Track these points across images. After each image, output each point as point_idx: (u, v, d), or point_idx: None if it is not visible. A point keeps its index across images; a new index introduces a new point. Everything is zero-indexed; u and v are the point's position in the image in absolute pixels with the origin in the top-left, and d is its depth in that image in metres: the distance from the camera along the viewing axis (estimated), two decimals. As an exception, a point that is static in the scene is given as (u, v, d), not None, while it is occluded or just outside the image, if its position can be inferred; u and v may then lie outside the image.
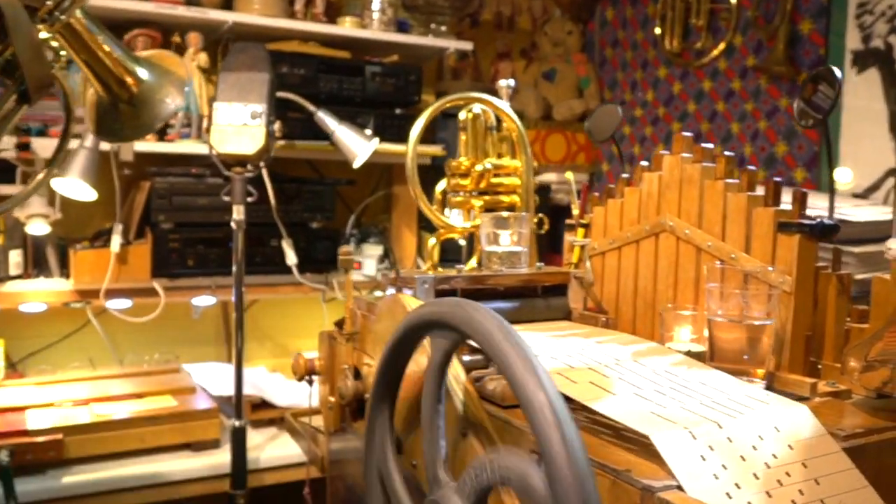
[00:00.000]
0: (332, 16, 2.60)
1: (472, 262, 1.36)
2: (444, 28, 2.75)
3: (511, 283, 1.21)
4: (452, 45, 2.72)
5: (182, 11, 2.36)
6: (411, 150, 1.55)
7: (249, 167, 2.06)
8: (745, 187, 1.10)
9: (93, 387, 2.27)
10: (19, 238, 2.30)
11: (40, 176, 1.18)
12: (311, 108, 2.37)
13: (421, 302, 1.10)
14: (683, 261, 1.18)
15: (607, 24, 3.14)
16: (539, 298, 1.24)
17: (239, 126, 1.98)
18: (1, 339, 2.33)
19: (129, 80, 1.14)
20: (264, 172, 2.36)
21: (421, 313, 0.87)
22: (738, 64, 2.59)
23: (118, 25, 2.36)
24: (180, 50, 2.42)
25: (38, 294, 2.31)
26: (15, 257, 2.29)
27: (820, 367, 1.05)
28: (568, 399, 0.76)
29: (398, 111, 2.61)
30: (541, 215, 1.62)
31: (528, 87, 3.16)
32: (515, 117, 1.60)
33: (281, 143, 2.44)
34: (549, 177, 3.06)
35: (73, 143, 2.13)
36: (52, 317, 2.47)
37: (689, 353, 1.06)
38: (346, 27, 2.56)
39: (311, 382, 1.54)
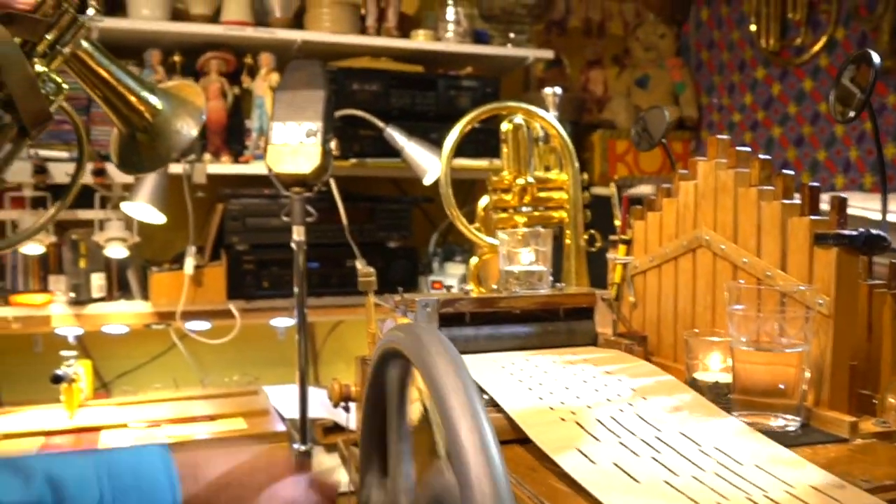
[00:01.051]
0: (405, 30, 2.56)
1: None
2: (524, 37, 2.65)
3: (527, 306, 1.10)
4: (532, 54, 2.62)
5: (252, 33, 2.38)
6: (444, 164, 1.47)
7: (310, 187, 2.03)
8: (781, 194, 0.95)
9: (170, 408, 2.29)
10: (102, 261, 2.36)
11: (51, 211, 1.16)
12: (380, 124, 2.33)
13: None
14: (721, 280, 1.04)
15: (702, 25, 2.95)
16: (560, 322, 1.12)
17: (294, 145, 1.95)
18: (89, 360, 2.39)
19: (143, 109, 1.11)
20: (335, 191, 2.34)
21: (381, 343, 0.78)
22: (840, 60, 2.36)
23: (191, 49, 2.39)
24: (253, 71, 2.44)
25: (120, 316, 2.36)
26: (98, 280, 2.35)
27: (875, 402, 0.89)
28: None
29: (477, 125, 2.52)
30: (591, 231, 1.50)
31: (619, 96, 3.01)
32: (559, 127, 1.49)
33: (352, 161, 2.41)
34: (643, 189, 2.90)
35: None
36: (140, 338, 2.53)
37: (715, 385, 0.93)
38: (419, 41, 2.51)
39: (347, 409, 1.47)
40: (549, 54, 2.65)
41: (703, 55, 2.97)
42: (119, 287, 2.44)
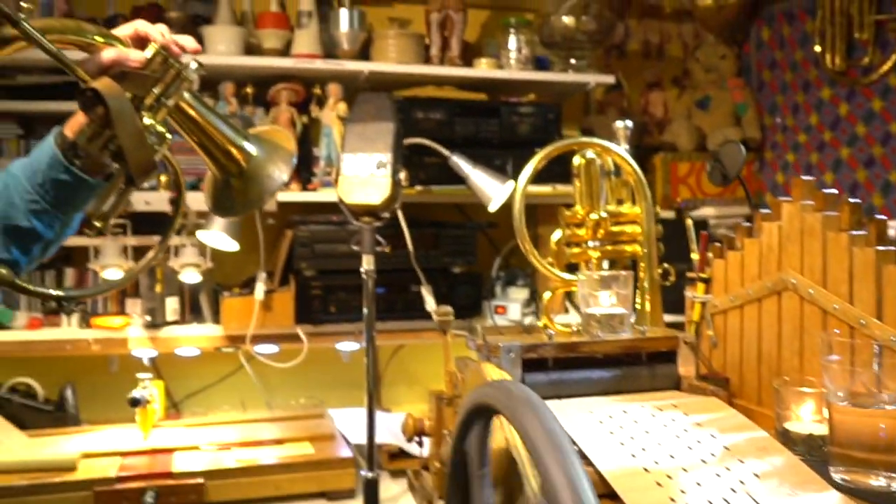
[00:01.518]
0: (468, 59, 2.59)
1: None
2: (585, 62, 2.67)
3: (610, 350, 1.12)
4: (593, 79, 2.63)
5: (320, 65, 2.43)
6: (518, 201, 1.49)
7: (380, 217, 2.07)
8: (874, 240, 0.96)
9: (239, 430, 2.34)
10: (176, 286, 2.43)
11: (150, 254, 1.21)
12: (445, 152, 2.36)
13: (504, 374, 1.03)
14: (808, 325, 1.05)
15: (763, 46, 2.94)
16: (643, 366, 1.13)
17: (365, 177, 1.99)
18: (161, 381, 2.46)
19: (238, 156, 1.14)
20: (401, 218, 2.38)
21: (470, 399, 0.81)
22: (911, 80, 2.34)
23: (263, 81, 2.46)
24: (321, 101, 2.49)
25: (192, 339, 2.43)
26: (172, 304, 2.42)
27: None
28: None
29: (538, 151, 2.54)
30: (665, 265, 1.51)
31: (680, 118, 3.01)
32: (632, 161, 1.51)
33: (418, 188, 2.45)
34: (706, 211, 2.90)
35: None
36: (208, 360, 2.60)
37: (809, 437, 0.93)
38: (482, 69, 2.54)
39: (420, 444, 1.50)
40: (609, 79, 2.67)
41: (764, 75, 2.95)
42: (192, 310, 2.51)
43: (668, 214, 2.77)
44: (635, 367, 1.13)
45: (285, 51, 2.48)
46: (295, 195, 2.44)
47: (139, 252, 2.38)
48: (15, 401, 2.30)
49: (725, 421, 0.99)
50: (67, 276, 2.43)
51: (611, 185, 1.54)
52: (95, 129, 1.01)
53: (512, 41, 2.58)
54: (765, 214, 1.16)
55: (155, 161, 1.04)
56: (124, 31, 1.08)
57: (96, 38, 1.04)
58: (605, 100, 2.95)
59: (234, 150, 1.14)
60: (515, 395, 0.71)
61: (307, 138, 2.55)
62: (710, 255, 1.32)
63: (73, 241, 2.34)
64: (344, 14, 2.43)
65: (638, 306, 1.46)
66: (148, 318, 2.38)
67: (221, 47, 2.39)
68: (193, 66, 1.08)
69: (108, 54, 1.02)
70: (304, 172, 2.53)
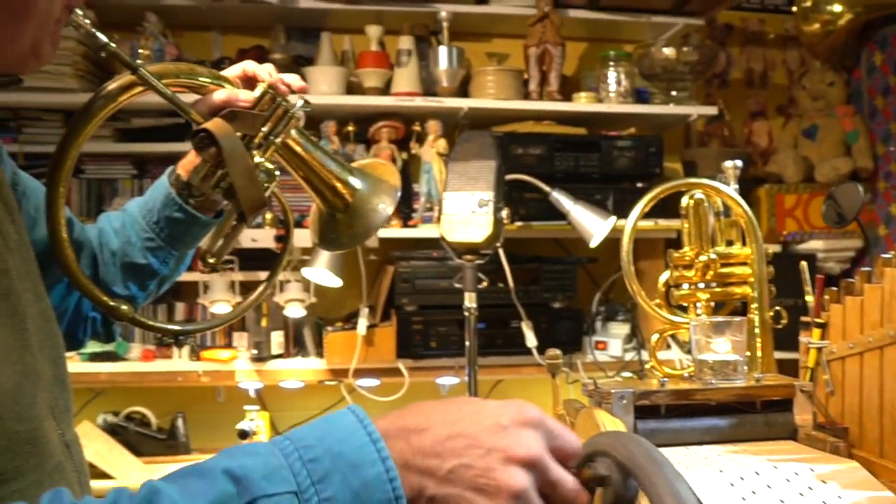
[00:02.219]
0: (567, 93, 2.59)
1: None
2: (686, 93, 2.63)
3: (724, 398, 1.09)
4: (695, 110, 2.59)
5: (420, 102, 2.48)
6: (626, 244, 1.48)
7: (482, 254, 2.08)
8: None
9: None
10: (281, 320, 2.50)
11: (259, 290, 1.24)
12: (546, 188, 2.36)
13: (617, 421, 1.02)
14: (936, 376, 1.00)
15: (875, 70, 2.84)
16: (758, 414, 1.10)
17: (467, 215, 2.01)
18: (266, 412, 2.53)
19: (344, 190, 1.16)
20: (501, 254, 2.38)
21: (591, 447, 0.80)
22: None
23: (364, 119, 2.52)
24: (421, 138, 2.53)
25: (296, 372, 2.49)
26: (277, 338, 2.49)
27: None
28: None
29: (639, 185, 2.52)
30: (777, 308, 1.47)
31: (786, 148, 2.93)
32: (742, 202, 1.48)
33: (518, 224, 2.46)
34: (815, 245, 2.81)
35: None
36: (311, 392, 2.65)
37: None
38: (581, 103, 2.54)
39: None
40: (712, 110, 2.62)
41: (877, 102, 2.85)
42: (296, 344, 2.57)
43: (774, 248, 2.69)
44: (750, 416, 1.09)
45: (385, 89, 2.53)
46: (396, 231, 2.48)
47: (246, 287, 2.46)
48: (131, 428, 2.41)
49: (848, 476, 0.95)
50: (178, 310, 2.53)
51: (720, 225, 1.51)
52: (208, 168, 1.04)
53: (611, 74, 2.57)
54: (886, 259, 1.12)
55: (265, 198, 1.06)
56: (233, 71, 1.11)
57: (207, 79, 1.06)
58: (707, 131, 2.89)
59: (339, 185, 1.15)
60: (642, 452, 0.69)
61: (407, 175, 2.59)
62: (825, 297, 1.28)
63: (183, 276, 2.43)
64: (443, 51, 2.47)
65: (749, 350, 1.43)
66: (254, 351, 2.45)
67: (323, 87, 2.46)
68: (300, 103, 1.11)
69: (219, 95, 1.05)
70: (404, 209, 2.57)
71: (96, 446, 2.23)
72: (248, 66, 1.11)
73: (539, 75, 2.54)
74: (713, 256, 1.43)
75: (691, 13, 2.63)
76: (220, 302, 2.39)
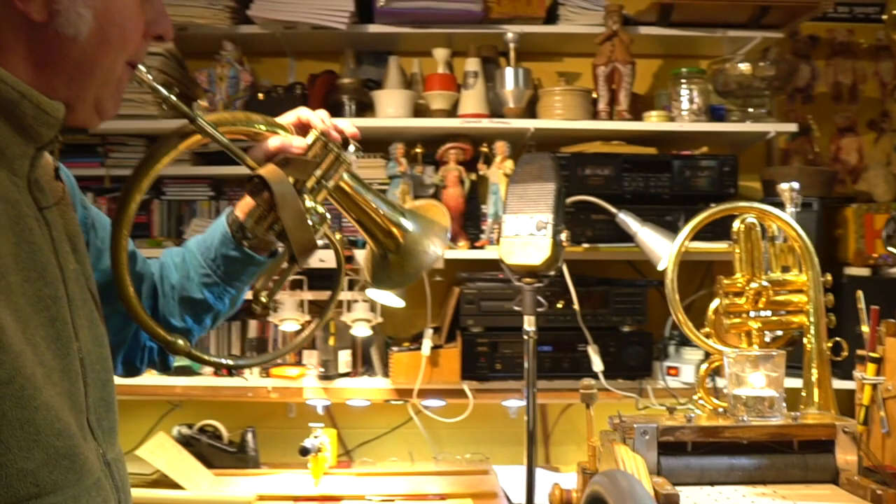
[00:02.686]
0: (638, 111, 2.54)
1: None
2: (764, 110, 2.54)
3: (756, 436, 1.04)
4: (773, 128, 2.50)
5: (487, 124, 2.48)
6: (671, 270, 1.44)
7: (541, 277, 2.06)
8: None
9: (404, 483, 2.39)
10: (349, 339, 2.53)
11: (306, 333, 1.25)
12: (612, 210, 2.32)
13: (637, 456, 0.99)
14: None
15: (976, 85, 2.67)
16: (795, 455, 1.04)
17: (525, 237, 1.99)
18: (334, 430, 2.56)
19: (395, 232, 1.17)
20: (567, 276, 2.35)
21: (591, 486, 0.78)
22: None
23: (432, 141, 2.54)
24: (488, 159, 2.53)
25: (363, 391, 2.52)
26: (344, 356, 2.52)
27: None
28: None
29: (713, 205, 2.43)
30: (837, 339, 1.40)
31: (877, 165, 2.78)
32: (797, 226, 1.42)
33: (585, 246, 2.42)
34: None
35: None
36: (379, 410, 2.68)
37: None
38: (652, 122, 2.48)
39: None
40: (791, 127, 2.52)
41: (978, 117, 2.68)
42: (363, 363, 2.60)
43: (863, 272, 2.55)
44: (785, 456, 1.04)
45: (452, 111, 2.54)
46: (463, 253, 2.48)
47: (314, 306, 2.51)
48: (203, 441, 2.48)
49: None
50: (251, 327, 2.60)
51: (774, 250, 1.45)
52: (262, 212, 1.07)
53: (683, 92, 2.50)
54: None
55: (315, 241, 1.07)
56: (288, 118, 1.14)
57: (263, 127, 1.10)
58: (791, 148, 2.78)
59: (391, 227, 1.17)
60: (625, 492, 0.67)
61: (475, 196, 2.59)
62: (880, 329, 1.21)
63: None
64: (509, 73, 2.46)
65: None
66: (322, 369, 2.49)
67: (390, 110, 2.49)
68: (351, 149, 1.13)
69: (273, 142, 1.08)
70: (472, 230, 2.56)
71: (170, 457, 2.31)
72: (302, 113, 1.14)
73: (608, 94, 2.50)
74: (765, 283, 1.38)
75: (770, 26, 2.54)
76: (288, 321, 2.44)
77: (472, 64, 2.53)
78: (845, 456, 1.05)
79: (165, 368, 1.26)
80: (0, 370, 0.75)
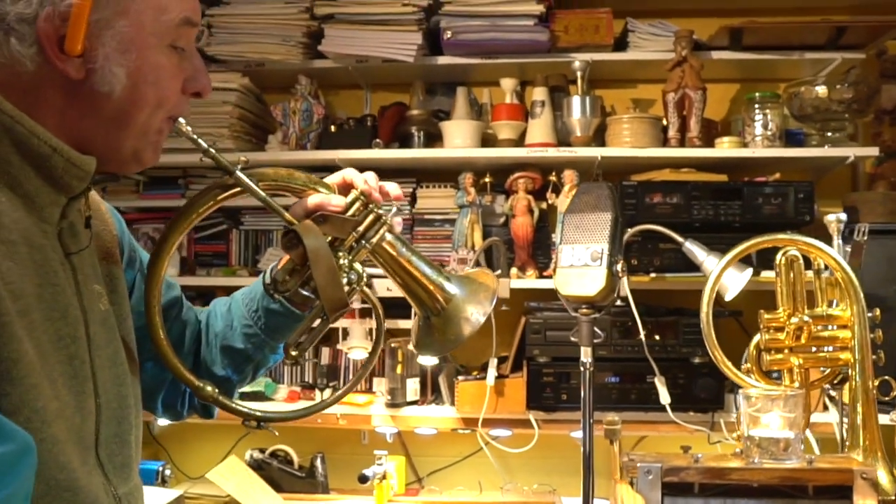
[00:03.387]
0: (711, 138, 2.48)
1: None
2: (844, 133, 2.44)
3: (766, 479, 1.00)
4: (853, 152, 2.39)
5: (554, 153, 2.47)
6: (706, 303, 1.40)
7: (598, 309, 2.03)
8: None
9: (471, 512, 2.39)
10: (417, 367, 2.56)
11: (347, 387, 1.27)
12: (678, 238, 2.27)
13: (638, 496, 0.97)
14: None
15: None
16: (809, 501, 1.00)
17: (580, 268, 1.97)
18: (403, 457, 2.59)
19: (438, 295, 1.17)
20: (632, 306, 2.31)
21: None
22: None
23: (500, 170, 2.55)
24: (557, 187, 2.52)
25: (430, 419, 2.53)
26: (412, 384, 2.55)
27: None
28: None
29: (789, 234, 2.35)
30: (886, 377, 1.33)
31: (976, 190, 2.62)
32: (842, 260, 1.35)
33: (652, 275, 2.38)
34: None
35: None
36: (449, 439, 2.69)
37: None
38: (724, 148, 2.42)
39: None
40: (872, 151, 2.41)
41: None
42: (432, 391, 2.62)
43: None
44: (800, 501, 0.99)
45: (520, 140, 2.55)
46: (529, 282, 2.48)
47: (390, 333, 2.55)
48: (274, 465, 2.55)
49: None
50: (323, 354, 2.66)
51: (820, 283, 1.39)
52: (294, 266, 1.10)
53: (757, 116, 2.43)
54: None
55: (346, 300, 1.08)
56: (334, 178, 1.17)
57: (304, 184, 1.12)
58: (877, 172, 2.65)
59: (434, 290, 1.16)
60: None
61: (545, 225, 2.58)
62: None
63: (328, 322, 2.58)
64: (576, 101, 2.45)
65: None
66: (389, 397, 2.52)
67: (458, 140, 2.52)
68: (394, 210, 1.15)
69: (312, 199, 1.10)
70: (541, 259, 2.56)
71: (239, 480, 2.38)
72: (347, 173, 1.16)
73: (678, 121, 2.45)
74: (806, 319, 1.32)
75: (850, 46, 2.44)
76: (357, 348, 2.49)
77: (539, 93, 2.54)
78: (863, 503, 0.99)
79: (207, 415, 1.29)
80: (6, 401, 0.80)
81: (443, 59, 2.56)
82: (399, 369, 2.53)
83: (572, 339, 2.08)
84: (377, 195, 1.13)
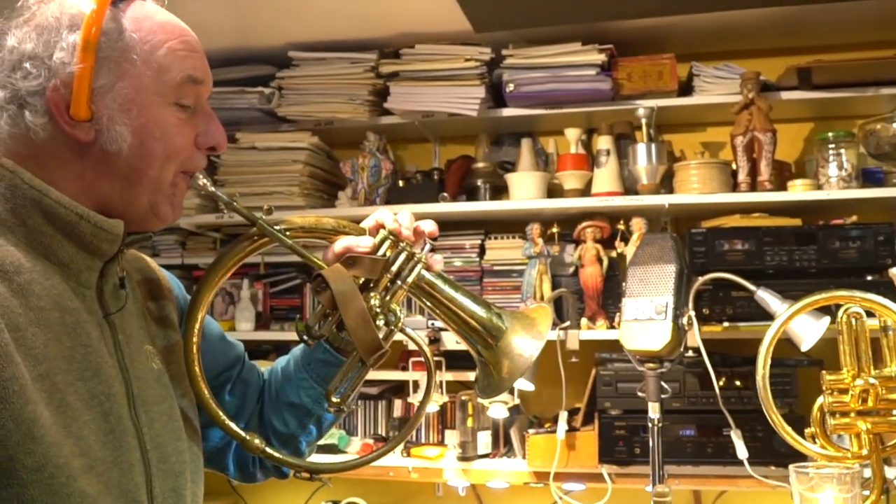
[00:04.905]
0: (782, 181, 2.41)
1: None
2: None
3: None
4: (937, 191, 2.29)
5: (621, 201, 2.45)
6: (761, 367, 1.35)
7: (663, 362, 1.99)
8: None
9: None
10: (488, 420, 2.55)
11: (403, 434, 1.27)
12: (751, 287, 2.19)
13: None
14: None
15: None
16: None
17: (644, 321, 1.94)
18: (480, 512, 2.57)
19: (488, 331, 1.13)
20: (705, 356, 2.25)
21: None
22: None
23: (567, 220, 2.54)
24: (625, 236, 2.49)
25: (501, 473, 2.51)
26: (483, 437, 2.54)
27: None
28: None
29: (869, 278, 2.26)
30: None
31: None
32: (906, 319, 1.29)
33: (725, 325, 2.31)
34: None
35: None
36: (522, 493, 2.65)
37: None
38: (796, 191, 2.34)
39: None
40: (957, 189, 2.30)
41: None
42: (504, 443, 2.59)
43: None
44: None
45: (586, 189, 2.53)
46: (599, 333, 2.44)
47: (452, 386, 2.55)
48: (346, 518, 2.57)
49: None
50: (396, 406, 2.67)
51: (888, 342, 1.33)
52: (325, 311, 1.10)
53: (832, 156, 2.35)
54: None
55: (380, 342, 1.07)
56: (368, 222, 1.17)
57: (332, 230, 1.14)
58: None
59: (483, 326, 1.13)
60: None
61: (615, 273, 2.55)
62: None
63: (399, 374, 2.60)
64: (641, 149, 2.43)
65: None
66: (460, 450, 2.51)
67: (524, 192, 2.52)
68: (427, 247, 1.14)
69: (339, 243, 1.12)
70: (611, 308, 2.52)
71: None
72: (379, 214, 1.16)
73: (748, 164, 2.39)
74: (872, 381, 1.27)
75: (930, 80, 2.34)
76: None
77: (604, 142, 2.52)
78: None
79: (281, 475, 1.28)
80: (30, 458, 0.82)
81: (507, 111, 2.58)
82: (470, 422, 2.52)
83: (640, 394, 2.04)
84: (406, 233, 1.12)
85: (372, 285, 1.11)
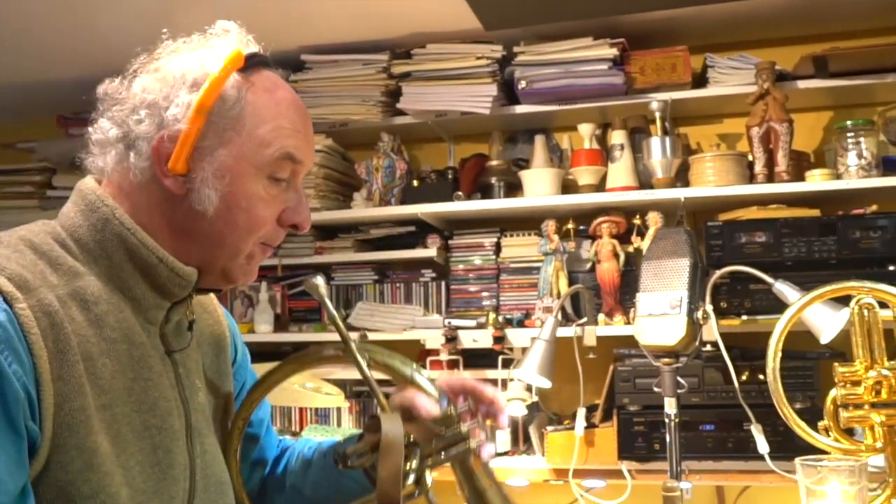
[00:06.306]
0: (800, 171, 2.38)
1: None
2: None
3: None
4: (959, 177, 2.24)
5: (636, 196, 2.43)
6: (771, 358, 1.33)
7: (679, 357, 1.97)
8: None
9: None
10: (507, 418, 2.53)
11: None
12: (768, 279, 2.17)
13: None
14: None
15: None
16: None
17: (659, 316, 1.92)
18: (498, 510, 2.56)
19: None
20: (723, 350, 2.22)
21: None
22: None
23: (582, 216, 2.53)
24: (641, 231, 2.47)
25: (520, 471, 2.50)
26: (503, 435, 2.53)
27: None
28: None
29: (891, 268, 2.22)
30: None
31: None
32: (918, 309, 1.27)
33: (743, 318, 2.29)
34: None
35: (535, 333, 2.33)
36: (543, 491, 2.63)
37: None
38: (814, 181, 2.31)
39: None
40: (981, 174, 2.25)
41: None
42: (524, 441, 2.58)
43: None
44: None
45: (601, 185, 2.52)
46: (616, 329, 2.43)
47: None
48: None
49: None
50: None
51: (901, 334, 1.30)
52: (367, 448, 1.09)
53: (851, 145, 2.31)
54: None
55: (400, 500, 1.05)
56: (453, 382, 1.17)
57: (407, 377, 1.13)
58: None
59: None
60: None
61: (632, 268, 2.52)
62: None
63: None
64: (655, 142, 2.41)
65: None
66: (480, 448, 2.50)
67: (538, 188, 2.51)
68: (482, 438, 1.13)
69: (407, 395, 1.11)
70: (629, 303, 2.50)
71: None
72: (467, 384, 1.17)
73: (765, 155, 2.36)
74: (885, 373, 1.24)
75: (952, 65, 2.29)
76: (444, 400, 2.49)
77: (618, 137, 2.50)
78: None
79: None
80: (86, 486, 0.87)
81: (520, 108, 2.57)
82: (488, 420, 2.51)
83: (656, 389, 2.03)
84: (469, 419, 1.12)
85: (418, 446, 1.10)
